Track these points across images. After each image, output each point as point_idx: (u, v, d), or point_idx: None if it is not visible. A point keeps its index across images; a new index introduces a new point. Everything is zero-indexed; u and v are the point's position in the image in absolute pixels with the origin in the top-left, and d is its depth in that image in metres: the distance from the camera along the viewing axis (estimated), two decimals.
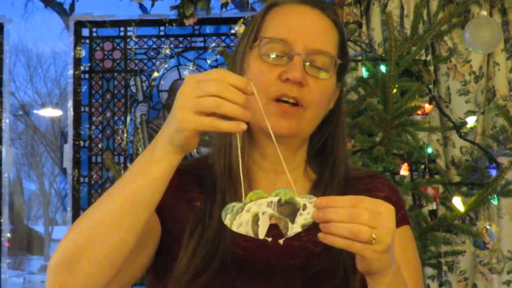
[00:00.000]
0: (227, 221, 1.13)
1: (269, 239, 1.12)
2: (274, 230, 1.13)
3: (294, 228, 1.12)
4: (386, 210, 1.11)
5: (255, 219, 1.12)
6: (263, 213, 1.12)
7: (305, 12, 1.39)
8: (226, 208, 1.14)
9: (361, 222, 1.08)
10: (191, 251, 1.31)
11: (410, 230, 1.43)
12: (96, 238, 1.18)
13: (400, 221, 1.38)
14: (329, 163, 1.44)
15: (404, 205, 1.47)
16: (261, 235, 1.12)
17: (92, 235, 1.18)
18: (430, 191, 2.75)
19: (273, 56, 1.35)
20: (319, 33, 1.38)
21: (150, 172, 1.18)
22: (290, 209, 1.12)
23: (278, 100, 1.33)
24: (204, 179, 1.41)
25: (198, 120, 1.12)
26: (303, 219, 1.12)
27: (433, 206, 2.80)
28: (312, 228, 1.12)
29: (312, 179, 1.46)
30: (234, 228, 1.12)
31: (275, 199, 1.13)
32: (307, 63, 1.34)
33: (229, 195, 1.35)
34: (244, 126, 1.13)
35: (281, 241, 1.12)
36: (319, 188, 1.42)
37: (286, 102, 1.33)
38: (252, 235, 1.12)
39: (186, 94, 1.13)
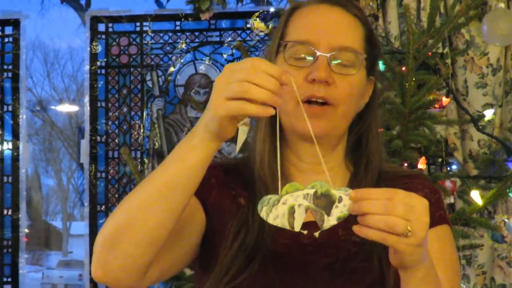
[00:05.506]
0: (263, 213, 1.13)
1: (305, 232, 1.13)
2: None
3: (330, 221, 1.11)
4: (420, 204, 1.11)
5: (291, 211, 1.12)
6: (299, 205, 1.12)
7: (326, 11, 1.40)
8: (262, 200, 1.14)
9: (396, 215, 1.08)
10: (234, 252, 1.34)
11: (449, 229, 1.43)
12: (136, 219, 1.23)
13: (439, 220, 1.39)
14: (363, 159, 1.44)
15: (444, 206, 1.47)
16: (297, 227, 1.12)
17: (132, 216, 1.23)
18: (448, 184, 2.74)
19: (298, 58, 1.36)
20: (341, 30, 1.38)
21: (187, 158, 1.22)
22: (326, 201, 1.12)
23: (307, 101, 1.33)
24: (247, 179, 1.43)
25: (228, 105, 1.15)
26: (339, 211, 1.11)
27: (451, 199, 2.79)
28: (350, 227, 1.12)
29: (349, 177, 1.46)
30: (270, 221, 1.12)
31: (311, 191, 1.12)
32: (332, 62, 1.34)
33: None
34: (272, 111, 1.15)
35: (316, 234, 1.12)
36: (353, 186, 1.40)
37: (315, 102, 1.34)
38: (288, 227, 1.12)
39: (220, 82, 1.18)
